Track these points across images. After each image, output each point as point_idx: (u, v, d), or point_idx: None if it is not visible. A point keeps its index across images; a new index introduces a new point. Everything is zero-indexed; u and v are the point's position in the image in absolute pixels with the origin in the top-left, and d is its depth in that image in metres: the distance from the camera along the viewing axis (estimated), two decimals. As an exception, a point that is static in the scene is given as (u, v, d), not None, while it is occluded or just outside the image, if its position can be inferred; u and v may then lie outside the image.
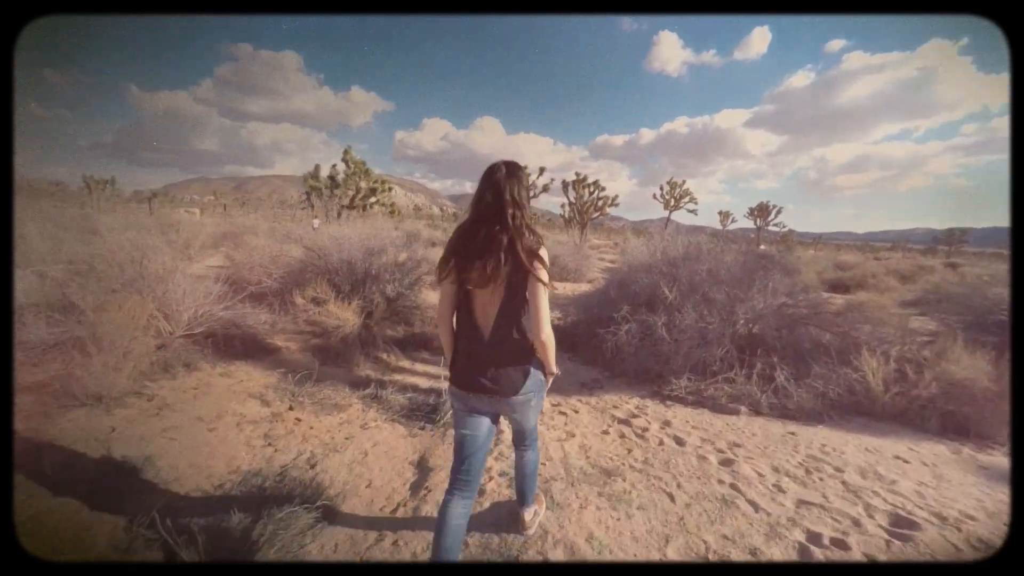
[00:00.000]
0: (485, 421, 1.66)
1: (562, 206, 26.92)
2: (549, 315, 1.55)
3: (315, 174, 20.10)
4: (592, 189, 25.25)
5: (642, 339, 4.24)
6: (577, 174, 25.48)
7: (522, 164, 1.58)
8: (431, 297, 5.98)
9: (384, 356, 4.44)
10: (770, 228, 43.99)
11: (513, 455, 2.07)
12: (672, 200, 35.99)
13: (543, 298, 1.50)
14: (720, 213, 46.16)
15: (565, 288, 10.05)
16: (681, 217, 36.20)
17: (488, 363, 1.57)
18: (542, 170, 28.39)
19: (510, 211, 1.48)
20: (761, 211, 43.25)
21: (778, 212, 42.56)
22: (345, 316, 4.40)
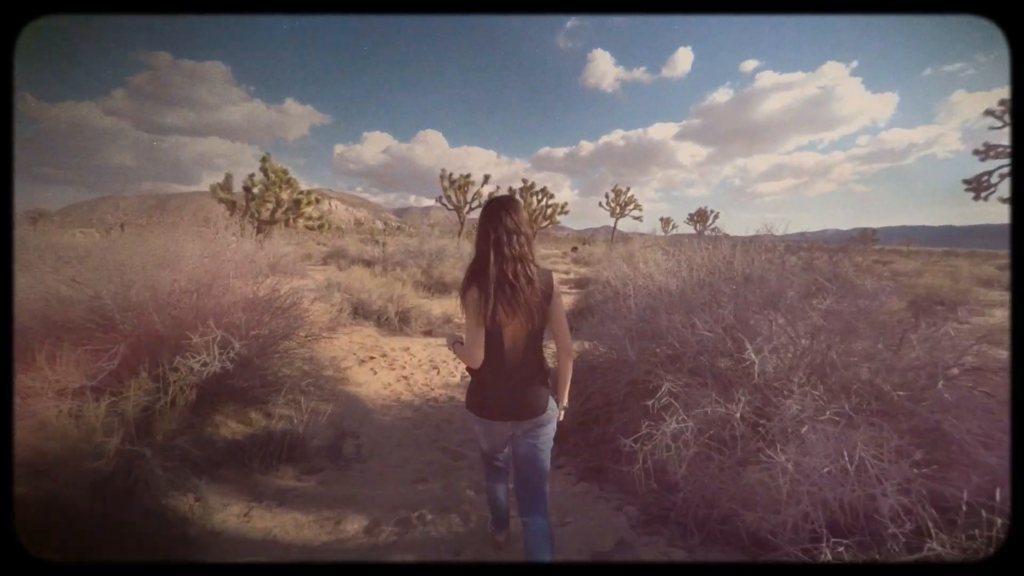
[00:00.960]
0: (501, 434, 1.76)
1: (509, 215, 26.00)
2: None
3: (226, 185, 17.49)
4: (541, 196, 24.39)
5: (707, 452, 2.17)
6: (524, 180, 24.55)
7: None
8: (318, 354, 4.25)
9: (188, 503, 2.18)
10: (706, 233, 45.51)
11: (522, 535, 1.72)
12: (618, 208, 36.08)
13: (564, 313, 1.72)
14: (662, 219, 47.28)
15: None
16: (624, 225, 36.31)
17: (519, 388, 1.65)
18: (487, 178, 27.16)
19: (527, 245, 1.61)
20: (700, 216, 44.74)
21: (715, 217, 44.12)
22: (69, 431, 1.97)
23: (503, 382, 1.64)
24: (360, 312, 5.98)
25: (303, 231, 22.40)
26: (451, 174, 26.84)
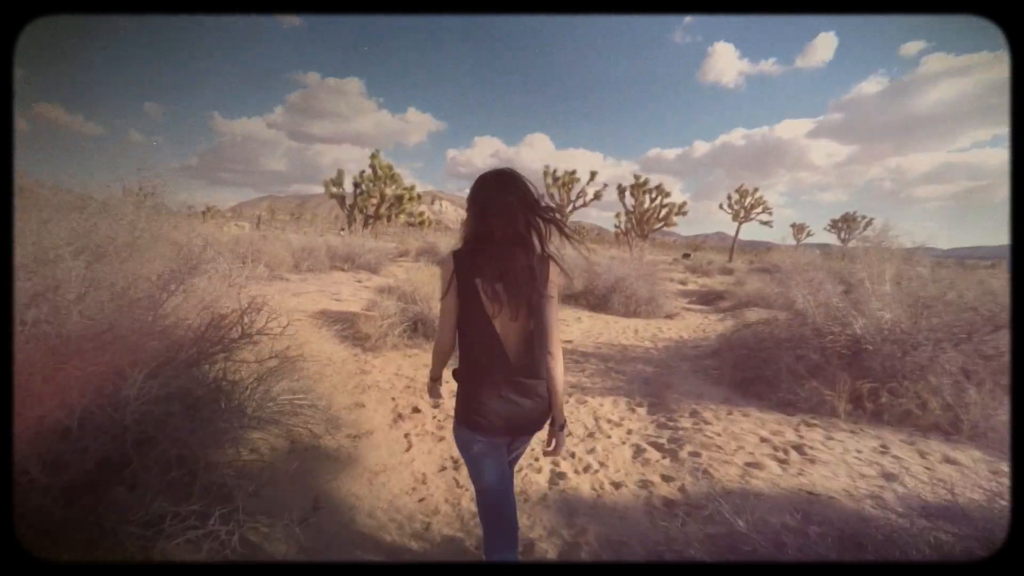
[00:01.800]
0: (503, 453, 1.47)
1: (616, 215, 23.47)
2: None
3: (338, 180, 18.04)
4: (655, 195, 21.60)
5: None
6: (636, 176, 21.90)
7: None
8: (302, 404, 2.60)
9: None
10: (855, 243, 37.97)
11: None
12: (742, 211, 31.55)
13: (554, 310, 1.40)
14: (793, 226, 40.75)
15: (639, 331, 6.69)
16: (748, 232, 31.52)
17: (521, 392, 1.38)
18: (593, 175, 25.20)
19: (531, 219, 1.35)
20: (846, 223, 37.53)
21: (868, 224, 36.55)
22: None
23: (502, 383, 1.36)
24: (422, 329, 4.57)
25: (404, 226, 22.73)
26: (554, 171, 25.37)
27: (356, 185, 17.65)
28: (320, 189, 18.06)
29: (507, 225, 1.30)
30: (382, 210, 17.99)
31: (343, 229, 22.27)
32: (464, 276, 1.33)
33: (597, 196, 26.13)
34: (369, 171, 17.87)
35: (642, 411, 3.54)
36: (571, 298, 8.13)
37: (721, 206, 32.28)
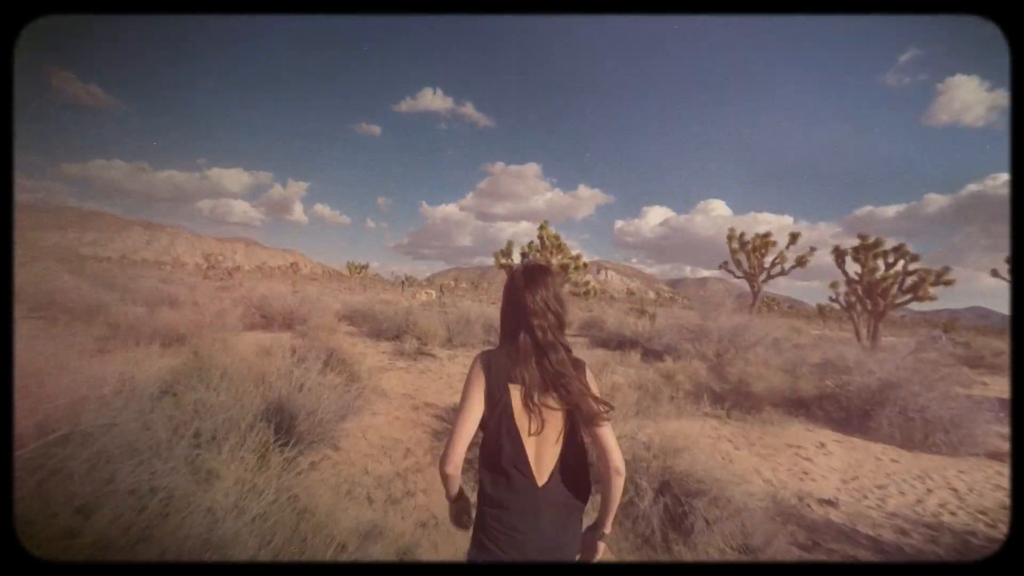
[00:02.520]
0: None
1: (832, 285, 18.35)
2: None
3: (506, 251, 18.74)
4: (893, 259, 16.18)
5: None
6: (862, 236, 16.96)
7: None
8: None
9: None
10: None
11: None
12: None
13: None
14: None
15: (964, 494, 3.91)
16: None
17: (553, 521, 1.22)
18: (794, 237, 20.82)
19: (555, 331, 1.27)
20: None
21: None
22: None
23: (531, 511, 1.20)
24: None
25: (570, 296, 22.19)
26: (741, 234, 21.84)
27: (524, 255, 17.74)
28: (492, 261, 18.90)
29: (546, 326, 1.23)
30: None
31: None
32: (496, 380, 1.22)
33: (800, 263, 21.46)
34: (536, 241, 17.86)
35: None
36: (797, 404, 5.56)
37: (996, 273, 22.91)
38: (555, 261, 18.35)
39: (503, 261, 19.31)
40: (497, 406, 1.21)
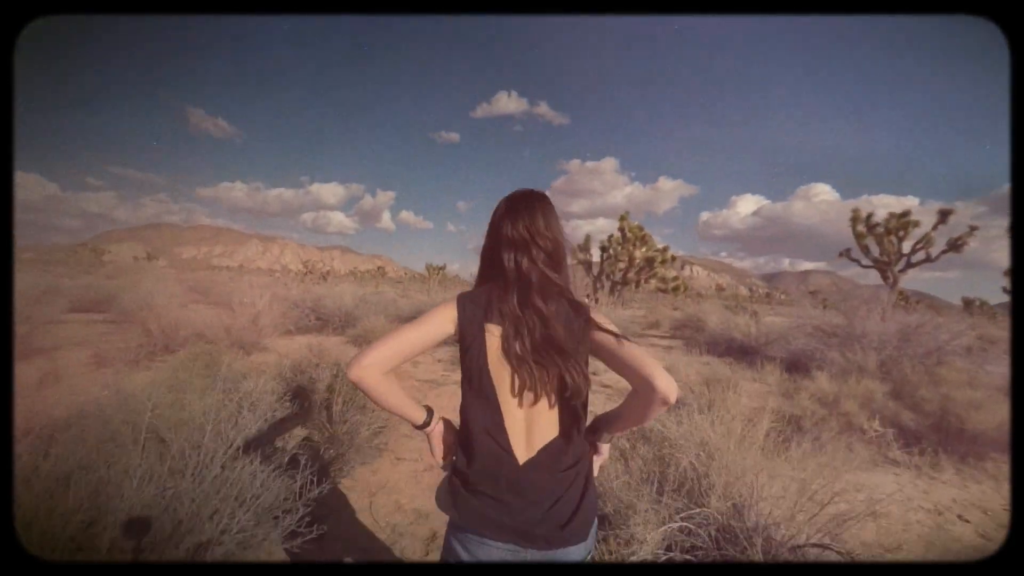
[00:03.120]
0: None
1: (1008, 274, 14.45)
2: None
3: (584, 246, 17.15)
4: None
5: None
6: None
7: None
8: None
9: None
10: None
11: None
12: None
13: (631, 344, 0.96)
14: None
15: None
16: None
17: (541, 488, 0.98)
18: (944, 215, 16.83)
19: (556, 269, 1.05)
20: None
21: None
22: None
23: (508, 491, 0.97)
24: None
25: (655, 292, 19.96)
26: (869, 215, 18.15)
27: (603, 249, 16.20)
28: (571, 260, 17.68)
29: (530, 259, 1.01)
30: (630, 274, 15.83)
31: (588, 296, 21.10)
32: (470, 318, 1.01)
33: (955, 246, 17.48)
34: (617, 234, 16.19)
35: None
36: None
37: None
38: (639, 254, 16.41)
39: (581, 256, 17.86)
40: (469, 352, 0.99)
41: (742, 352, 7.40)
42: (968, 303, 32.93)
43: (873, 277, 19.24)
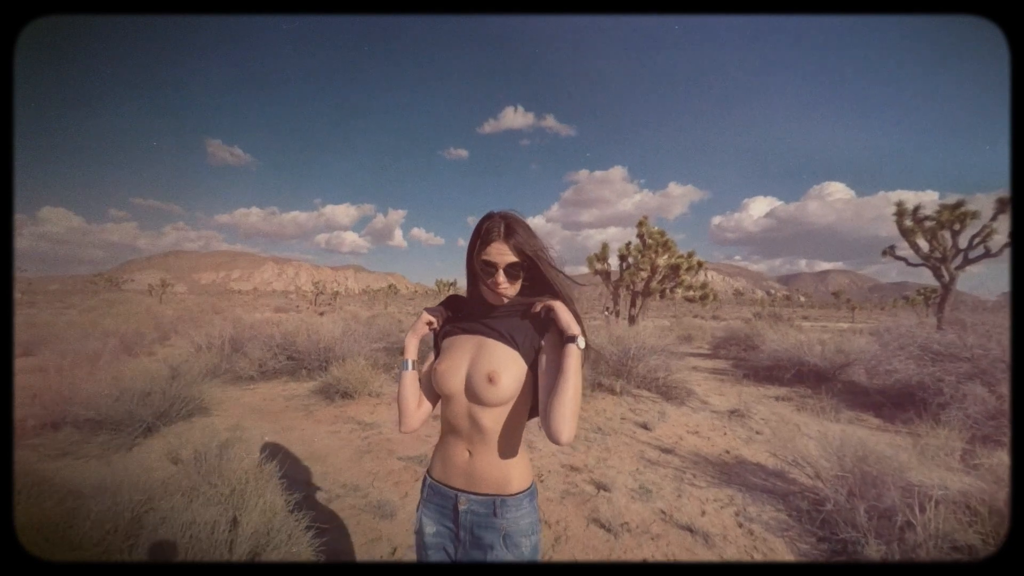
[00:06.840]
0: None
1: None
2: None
3: (602, 255, 15.81)
4: None
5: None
6: None
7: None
8: None
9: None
10: None
11: None
12: None
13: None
14: None
15: None
16: None
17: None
18: (1003, 203, 15.05)
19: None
20: None
21: None
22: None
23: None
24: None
25: (681, 302, 18.54)
26: (916, 208, 16.42)
27: (622, 258, 14.79)
28: (585, 269, 16.53)
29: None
30: (654, 284, 14.39)
31: (607, 309, 19.56)
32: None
33: (984, 241, 15.72)
34: (637, 241, 14.79)
35: None
36: None
37: None
38: (662, 262, 14.97)
39: (598, 266, 16.47)
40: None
41: (818, 379, 5.93)
42: None
43: (918, 276, 17.50)
